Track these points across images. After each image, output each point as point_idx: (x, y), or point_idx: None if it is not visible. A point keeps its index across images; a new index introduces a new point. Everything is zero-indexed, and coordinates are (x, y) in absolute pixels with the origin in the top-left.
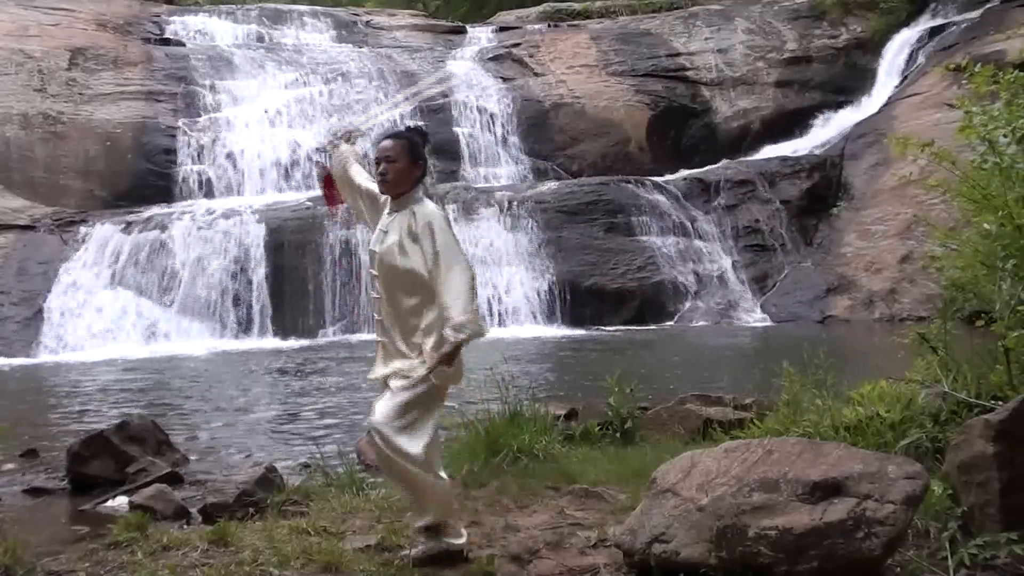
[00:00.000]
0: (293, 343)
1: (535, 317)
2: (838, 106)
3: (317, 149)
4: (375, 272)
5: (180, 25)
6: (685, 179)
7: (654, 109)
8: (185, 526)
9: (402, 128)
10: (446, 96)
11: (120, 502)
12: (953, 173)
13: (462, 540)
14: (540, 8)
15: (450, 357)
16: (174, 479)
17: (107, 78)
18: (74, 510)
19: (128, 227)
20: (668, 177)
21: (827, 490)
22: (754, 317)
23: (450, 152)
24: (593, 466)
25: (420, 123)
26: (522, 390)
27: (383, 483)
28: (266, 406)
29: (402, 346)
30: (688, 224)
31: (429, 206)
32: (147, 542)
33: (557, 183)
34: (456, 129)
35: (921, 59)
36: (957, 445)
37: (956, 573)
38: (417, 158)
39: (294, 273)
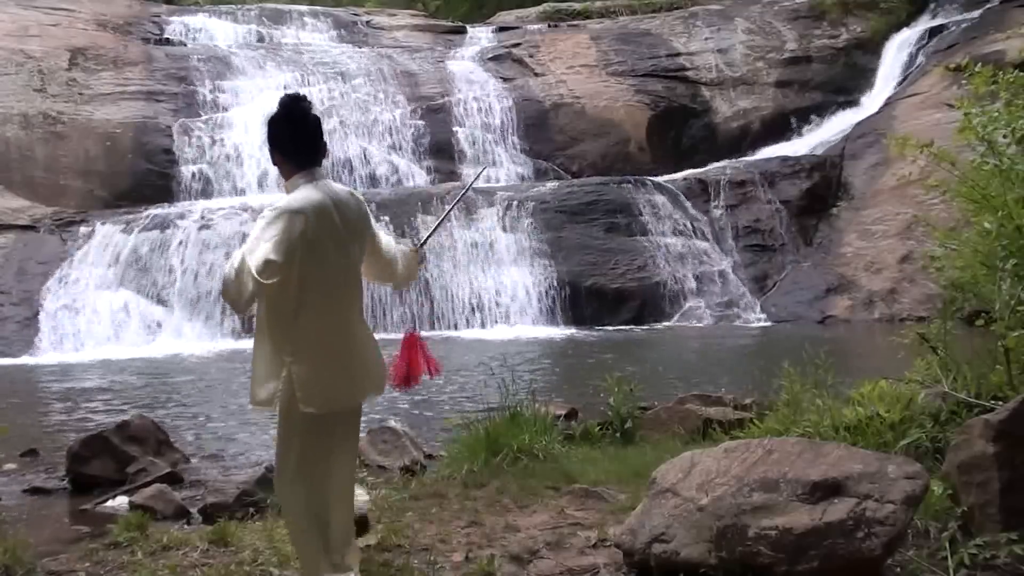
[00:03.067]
0: None
1: (535, 317)
2: (838, 106)
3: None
4: None
5: (180, 25)
6: (685, 179)
7: (654, 109)
8: (185, 526)
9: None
10: (446, 96)
11: (120, 502)
12: (952, 173)
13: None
14: (540, 8)
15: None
16: (174, 479)
17: (107, 78)
18: (74, 510)
19: (128, 227)
20: (668, 177)
21: (827, 490)
22: (754, 317)
23: (450, 152)
24: (593, 466)
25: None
26: (522, 390)
27: (383, 483)
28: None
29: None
30: (688, 224)
31: (285, 197)
32: (147, 542)
33: (557, 183)
34: (456, 129)
35: (921, 59)
36: (957, 445)
37: (956, 573)
38: (270, 145)
39: None
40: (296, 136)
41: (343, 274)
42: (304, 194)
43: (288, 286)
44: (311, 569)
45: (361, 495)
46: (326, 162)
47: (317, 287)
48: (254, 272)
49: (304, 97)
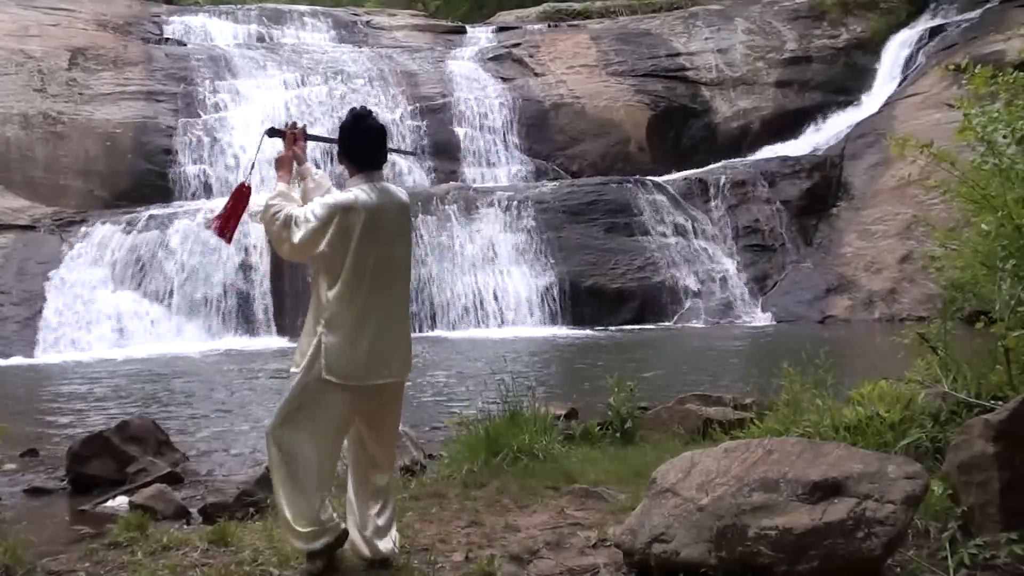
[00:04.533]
0: (294, 342)
1: (535, 317)
2: (838, 106)
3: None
4: None
5: (180, 25)
6: (685, 179)
7: (654, 109)
8: (185, 526)
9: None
10: (446, 96)
11: (120, 502)
12: (952, 173)
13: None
14: (540, 8)
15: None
16: (174, 479)
17: (107, 78)
18: (74, 510)
19: (128, 227)
20: (668, 177)
21: (827, 490)
22: (754, 317)
23: (450, 152)
24: (593, 466)
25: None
26: (522, 390)
27: None
28: (267, 406)
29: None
30: (688, 224)
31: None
32: (147, 542)
33: (557, 183)
34: (456, 129)
35: (921, 59)
36: (957, 445)
37: (956, 573)
38: (339, 148)
39: (295, 271)
40: (359, 145)
41: (385, 263)
42: (355, 192)
43: (332, 265)
44: (296, 512)
45: None
46: None
47: (357, 271)
48: (294, 241)
49: (370, 113)
